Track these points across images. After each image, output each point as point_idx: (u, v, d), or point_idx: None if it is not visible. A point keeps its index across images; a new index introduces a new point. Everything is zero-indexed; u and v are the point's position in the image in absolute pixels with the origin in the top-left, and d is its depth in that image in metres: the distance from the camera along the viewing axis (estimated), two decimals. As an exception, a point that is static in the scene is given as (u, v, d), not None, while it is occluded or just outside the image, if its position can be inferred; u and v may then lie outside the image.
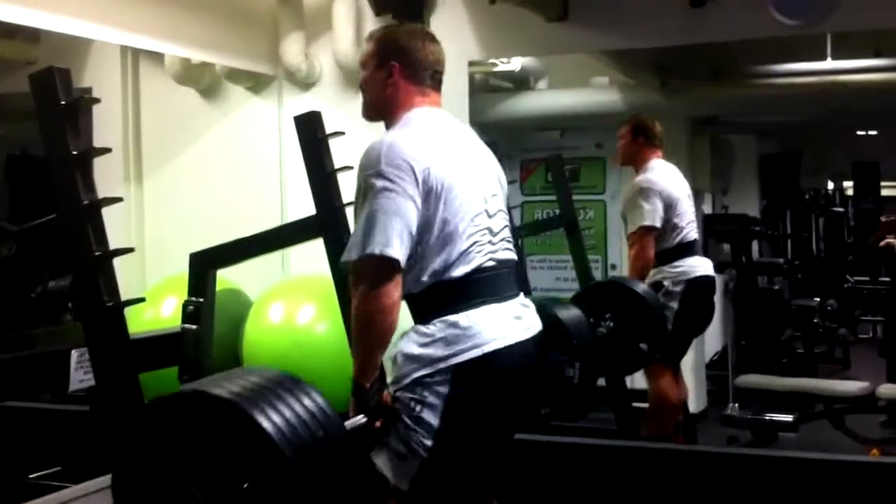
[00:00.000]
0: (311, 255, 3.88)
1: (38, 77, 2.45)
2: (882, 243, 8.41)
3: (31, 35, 4.50)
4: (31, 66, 4.30)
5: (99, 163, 2.79)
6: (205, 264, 3.43)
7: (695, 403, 5.71)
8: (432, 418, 2.24)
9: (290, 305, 3.89)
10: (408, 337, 2.33)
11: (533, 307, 2.48)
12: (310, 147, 3.38)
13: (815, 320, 8.05)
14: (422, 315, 2.32)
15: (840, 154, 11.17)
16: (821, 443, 5.29)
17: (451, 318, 2.27)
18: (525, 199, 6.76)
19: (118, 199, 2.55)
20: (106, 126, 4.32)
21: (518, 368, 2.36)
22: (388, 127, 2.44)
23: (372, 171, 2.26)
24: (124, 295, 2.65)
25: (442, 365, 2.25)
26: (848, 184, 13.14)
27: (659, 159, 4.66)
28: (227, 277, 3.85)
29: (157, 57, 4.39)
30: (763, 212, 8.77)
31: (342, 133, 3.47)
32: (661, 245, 4.51)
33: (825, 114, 7.22)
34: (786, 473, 3.65)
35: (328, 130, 3.40)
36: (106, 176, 3.45)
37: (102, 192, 2.70)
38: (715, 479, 3.72)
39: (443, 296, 2.30)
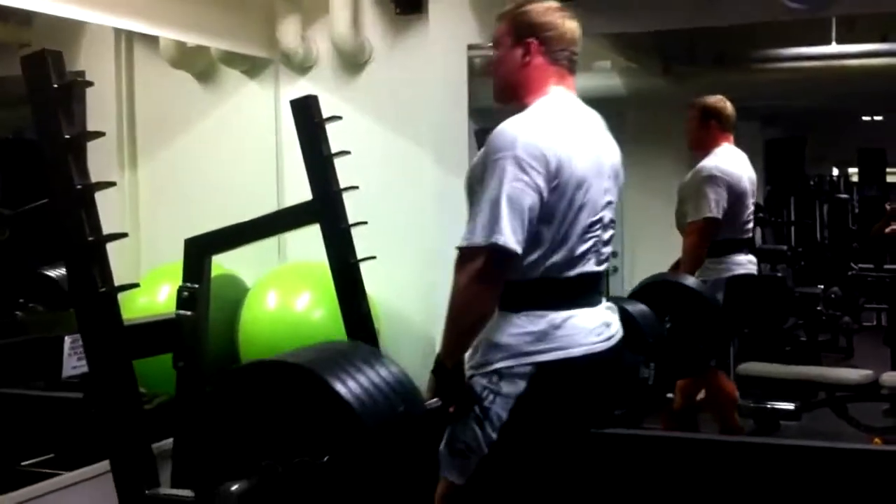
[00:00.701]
0: (308, 241, 3.89)
1: (30, 60, 2.44)
2: (888, 230, 8.42)
3: (23, 18, 4.49)
4: (24, 49, 4.29)
5: (92, 148, 2.78)
6: (200, 250, 3.42)
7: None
8: (502, 411, 2.20)
9: (286, 292, 3.90)
10: (496, 323, 2.26)
11: (617, 312, 2.43)
12: (306, 131, 3.37)
13: (818, 308, 8.05)
14: (516, 304, 2.25)
15: (845, 140, 11.17)
16: (823, 431, 5.31)
17: (546, 314, 2.23)
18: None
19: (112, 184, 2.54)
20: (100, 110, 4.31)
21: (598, 377, 2.33)
22: (519, 107, 2.32)
23: (504, 153, 2.17)
24: (118, 281, 2.65)
25: (525, 360, 2.21)
26: (853, 170, 13.15)
27: (729, 144, 4.47)
28: (223, 263, 3.84)
29: (151, 40, 4.38)
30: (767, 198, 8.76)
31: (339, 118, 3.46)
32: (716, 236, 4.32)
33: (830, 99, 7.23)
34: (788, 462, 3.66)
35: (325, 115, 3.40)
36: (100, 161, 3.45)
37: (96, 177, 2.69)
38: (717, 468, 3.73)
39: (544, 291, 2.25)
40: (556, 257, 2.25)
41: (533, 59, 2.32)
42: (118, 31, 4.41)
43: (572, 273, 2.27)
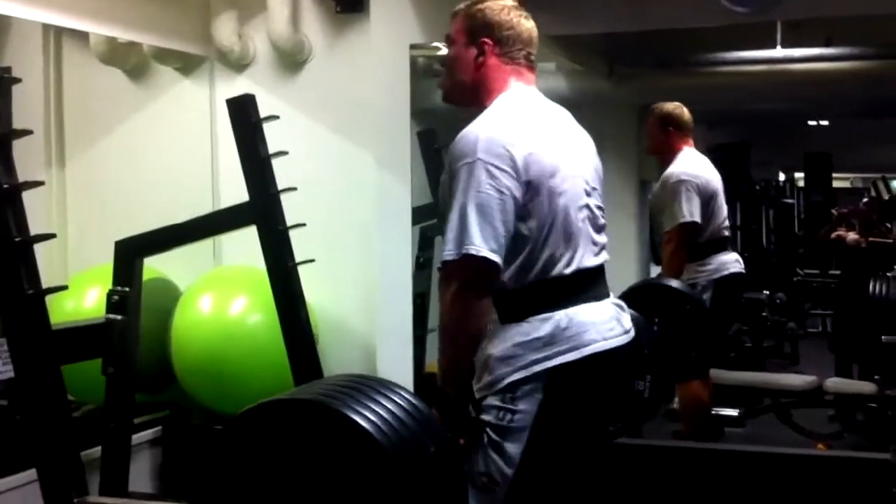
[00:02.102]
0: (244, 244, 3.90)
1: (-47, 54, 2.43)
2: (833, 235, 8.61)
3: (-54, 11, 4.43)
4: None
5: (19, 146, 2.78)
6: (131, 252, 3.43)
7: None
8: (522, 430, 2.15)
9: (221, 296, 3.89)
10: (498, 336, 2.21)
11: (626, 308, 2.39)
12: (243, 131, 3.40)
13: (763, 314, 8.21)
14: (516, 313, 2.21)
15: (791, 145, 11.39)
16: (768, 438, 5.42)
17: (550, 315, 2.19)
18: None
19: (40, 183, 2.55)
20: (27, 107, 4.25)
21: (615, 375, 2.29)
22: (479, 109, 2.28)
23: (468, 160, 2.14)
24: (44, 284, 2.65)
25: (536, 368, 2.16)
26: (799, 175, 13.43)
27: (690, 148, 4.62)
28: (155, 266, 3.83)
29: (81, 36, 4.34)
30: (712, 203, 8.91)
31: (276, 117, 3.48)
32: (697, 239, 4.44)
33: (776, 103, 7.37)
34: (733, 467, 3.75)
35: (262, 114, 3.42)
36: (26, 159, 3.41)
37: (23, 176, 2.68)
38: (662, 473, 3.80)
39: (541, 293, 2.21)
40: (546, 255, 2.21)
41: (488, 60, 2.29)
42: (46, 27, 4.37)
43: (568, 270, 2.23)
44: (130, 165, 4.33)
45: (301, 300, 3.43)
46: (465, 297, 2.12)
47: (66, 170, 4.41)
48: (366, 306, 3.92)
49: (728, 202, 9.59)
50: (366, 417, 1.78)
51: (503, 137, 2.17)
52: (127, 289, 3.34)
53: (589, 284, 2.28)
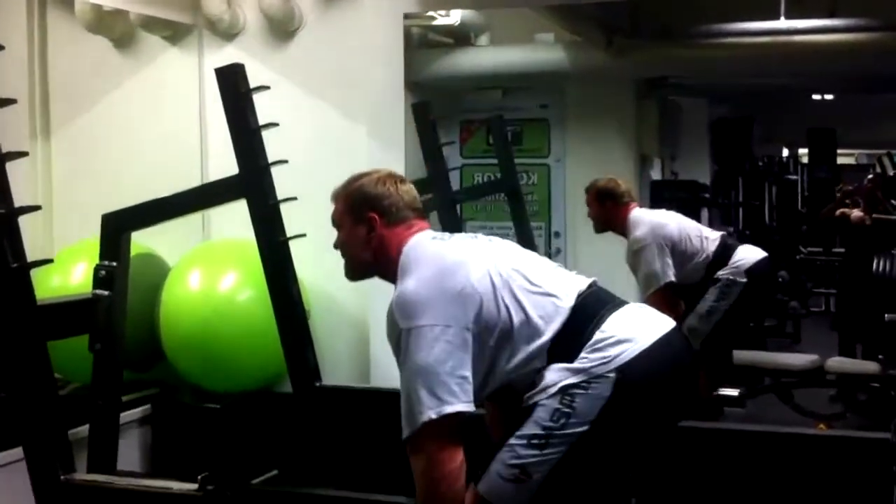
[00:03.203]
0: (233, 218, 3.89)
1: (-65, 22, 2.42)
2: (836, 212, 8.62)
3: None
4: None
5: (2, 116, 2.77)
6: (118, 226, 3.41)
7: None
8: (578, 427, 2.16)
9: (210, 271, 3.89)
10: (544, 376, 2.22)
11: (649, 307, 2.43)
12: (232, 102, 3.38)
13: (765, 292, 8.25)
14: (563, 361, 2.22)
15: (795, 120, 11.38)
16: (768, 418, 5.46)
17: (590, 340, 2.19)
18: (464, 162, 6.82)
19: (24, 154, 2.54)
20: (10, 77, 4.26)
21: (675, 361, 2.29)
22: (390, 277, 2.38)
23: (408, 326, 2.19)
24: (30, 259, 2.64)
25: (600, 370, 2.16)
26: (803, 151, 13.43)
27: (636, 211, 4.82)
28: (142, 241, 3.82)
29: (66, 3, 4.33)
30: (714, 180, 8.93)
31: (267, 87, 3.47)
32: (692, 277, 4.77)
33: (779, 77, 7.37)
34: (733, 447, 3.76)
35: (252, 84, 3.40)
36: (10, 131, 3.41)
37: (6, 147, 2.68)
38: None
39: (567, 339, 2.23)
40: (537, 325, 2.23)
41: (378, 231, 2.37)
42: (30, -7, 4.36)
43: (567, 306, 2.25)
44: (117, 137, 4.32)
45: (292, 276, 3.43)
46: (445, 459, 2.16)
47: (50, 141, 4.40)
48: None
49: (730, 178, 9.65)
50: None
51: (430, 288, 2.21)
52: (114, 263, 3.32)
53: (597, 301, 2.31)
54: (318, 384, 3.40)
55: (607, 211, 4.78)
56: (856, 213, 8.53)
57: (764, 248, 6.98)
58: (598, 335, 2.20)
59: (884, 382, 5.52)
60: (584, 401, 2.15)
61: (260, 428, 3.70)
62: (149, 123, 4.29)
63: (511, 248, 2.44)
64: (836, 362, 5.80)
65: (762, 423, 4.63)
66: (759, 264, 4.87)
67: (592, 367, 2.17)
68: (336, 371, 3.76)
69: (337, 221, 2.46)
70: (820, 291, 9.80)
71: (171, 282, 3.89)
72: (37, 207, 2.55)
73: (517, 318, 2.23)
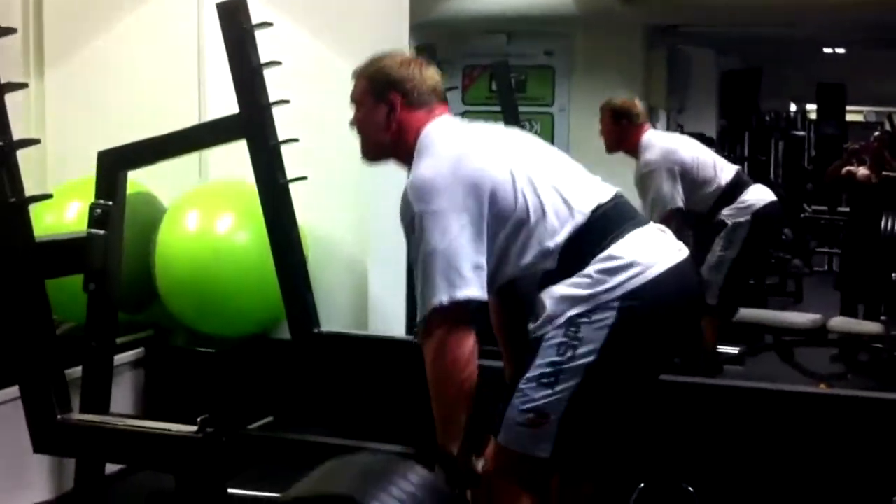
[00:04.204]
0: (231, 159, 3.89)
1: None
2: (843, 171, 8.61)
3: None
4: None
5: (-3, 48, 2.75)
6: (115, 164, 3.40)
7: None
8: (585, 358, 2.17)
9: (207, 212, 3.88)
10: (556, 285, 2.23)
11: (669, 231, 2.44)
12: (234, 39, 3.36)
13: (768, 249, 8.27)
14: (569, 273, 2.23)
15: (804, 74, 11.33)
16: (768, 377, 5.50)
17: (602, 254, 2.21)
18: (467, 108, 6.80)
19: (23, 85, 2.53)
20: (3, 12, 4.22)
21: (683, 292, 2.31)
22: (407, 160, 2.38)
23: (422, 207, 2.21)
24: (26, 194, 2.64)
25: (605, 297, 2.17)
26: (811, 106, 13.39)
27: (649, 133, 4.80)
28: (138, 180, 3.82)
29: (61, -69, 4.29)
30: (720, 133, 8.92)
31: (270, 24, 3.45)
32: (700, 205, 4.79)
33: (790, 27, 7.34)
34: (732, 403, 3.80)
35: (254, 21, 3.38)
36: (3, 67, 3.38)
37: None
38: (658, 407, 3.85)
39: (579, 246, 2.24)
40: (553, 225, 2.25)
41: (399, 114, 2.38)
42: (24, -77, 4.31)
43: (583, 215, 2.26)
44: (113, 73, 4.29)
45: (292, 219, 3.43)
46: (456, 344, 2.18)
47: (44, 77, 4.36)
48: (357, 227, 3.93)
49: (735, 132, 9.64)
50: None
51: (448, 172, 2.24)
52: (110, 202, 3.31)
53: (618, 215, 2.32)
54: (316, 330, 3.42)
55: (621, 130, 4.76)
56: (862, 170, 8.54)
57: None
58: (608, 252, 2.21)
59: (886, 343, 5.56)
60: (588, 330, 2.17)
61: (255, 373, 3.73)
62: (145, 61, 4.26)
63: (539, 144, 2.45)
64: (839, 322, 5.84)
65: (763, 381, 4.67)
66: (766, 207, 4.88)
67: (597, 293, 2.18)
68: (333, 317, 3.76)
69: (356, 100, 2.47)
70: (823, 251, 9.83)
71: (167, 222, 3.89)
72: (36, 141, 2.55)
73: (533, 213, 2.25)
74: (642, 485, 3.51)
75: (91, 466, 3.06)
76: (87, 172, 3.55)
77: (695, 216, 4.84)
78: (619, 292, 2.18)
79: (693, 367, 4.65)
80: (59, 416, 2.46)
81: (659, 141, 4.82)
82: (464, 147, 2.31)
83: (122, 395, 3.56)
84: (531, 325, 2.25)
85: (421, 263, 2.21)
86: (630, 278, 2.19)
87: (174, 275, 3.81)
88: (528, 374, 2.20)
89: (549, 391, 2.17)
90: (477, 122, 2.49)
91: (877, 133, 9.05)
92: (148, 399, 3.80)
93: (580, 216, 2.26)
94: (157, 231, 3.89)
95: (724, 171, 4.88)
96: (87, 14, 4.32)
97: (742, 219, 4.81)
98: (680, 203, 4.68)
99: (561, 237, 2.24)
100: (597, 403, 2.24)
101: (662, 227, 2.44)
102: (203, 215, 3.88)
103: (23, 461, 3.11)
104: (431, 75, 2.44)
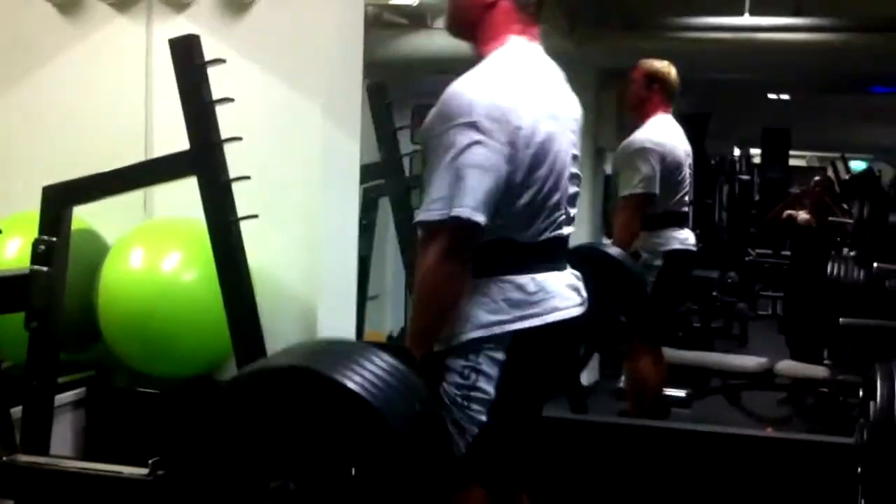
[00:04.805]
0: (177, 196, 3.87)
1: None
2: (784, 214, 8.82)
3: None
4: None
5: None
6: (60, 200, 3.39)
7: (586, 376, 5.93)
8: (488, 388, 2.28)
9: (153, 250, 3.85)
10: (469, 300, 2.31)
11: (580, 278, 2.52)
12: (186, 75, 3.37)
13: (713, 293, 8.42)
14: (485, 270, 2.31)
15: (749, 118, 11.59)
16: (715, 420, 5.59)
17: (517, 279, 2.30)
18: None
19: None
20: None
21: (569, 342, 2.46)
22: (478, 50, 2.38)
23: (462, 119, 2.21)
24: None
25: (498, 330, 2.27)
26: (754, 151, 13.67)
27: (666, 114, 4.68)
28: (80, 217, 3.77)
29: (6, -37, 4.26)
30: (667, 175, 9.04)
31: (223, 61, 3.46)
32: (650, 210, 4.56)
33: (739, 73, 7.52)
34: (681, 446, 3.86)
35: (206, 58, 3.39)
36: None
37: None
38: (605, 450, 3.90)
39: (511, 255, 2.32)
40: (525, 221, 2.33)
41: (499, 4, 2.36)
42: (-33, -50, 4.27)
43: (544, 237, 2.36)
44: (56, 107, 4.25)
45: (243, 258, 3.43)
46: (451, 259, 2.22)
47: (-13, 110, 4.32)
48: (308, 268, 3.92)
49: (684, 176, 9.78)
50: (362, 386, 1.85)
51: (498, 100, 2.25)
52: (54, 238, 3.30)
53: (555, 254, 2.42)
54: (265, 371, 3.40)
55: (649, 95, 4.62)
56: (802, 215, 8.76)
57: (713, 249, 7.17)
58: (522, 281, 2.30)
59: (832, 387, 5.68)
60: (485, 360, 2.28)
61: (201, 415, 3.69)
62: (91, 94, 4.23)
63: (575, 142, 2.47)
64: (786, 366, 5.96)
65: (711, 424, 4.74)
66: (678, 252, 4.73)
67: (495, 321, 2.27)
68: (282, 358, 3.74)
69: None
70: (767, 294, 10.03)
71: (111, 260, 3.85)
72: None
73: (524, 197, 2.31)
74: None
75: (30, 511, 3.01)
76: (25, 206, 3.53)
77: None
78: (511, 327, 2.29)
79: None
80: (3, 458, 2.43)
81: (670, 127, 4.67)
82: (527, 90, 2.31)
83: (63, 436, 3.50)
84: (435, 345, 2.33)
85: (440, 169, 2.22)
86: (528, 316, 2.30)
87: (119, 313, 3.77)
88: (443, 394, 2.30)
89: (465, 410, 2.29)
90: (555, 70, 2.48)
91: (817, 178, 9.30)
92: (89, 440, 3.75)
93: (543, 236, 2.35)
94: (99, 269, 3.85)
95: (684, 200, 4.77)
96: (32, 47, 4.29)
97: (655, 260, 4.66)
98: (656, 191, 4.50)
99: (518, 237, 2.32)
100: (501, 427, 2.33)
101: (575, 272, 2.53)
102: (148, 253, 3.84)
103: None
104: None
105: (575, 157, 2.47)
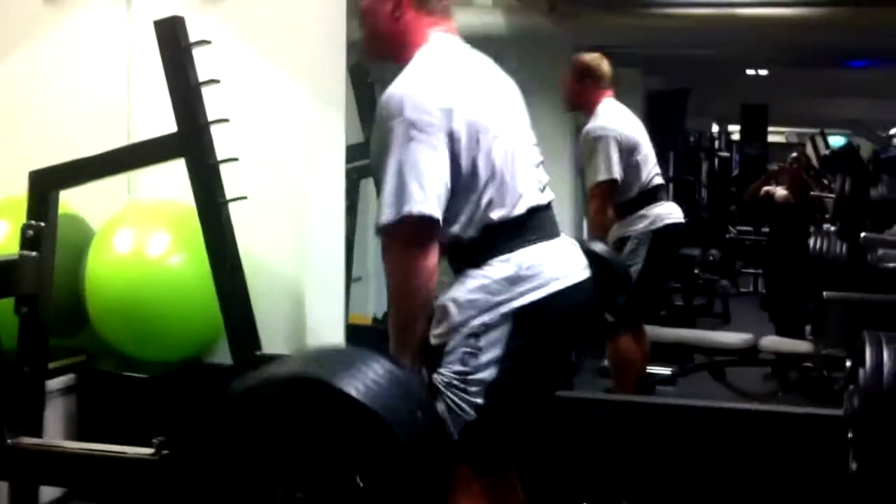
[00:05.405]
0: (161, 178, 3.92)
1: None
2: (761, 192, 8.93)
3: None
4: None
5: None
6: (47, 184, 3.43)
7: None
8: (487, 373, 2.29)
9: (140, 235, 3.89)
10: (459, 282, 2.35)
11: (578, 246, 2.56)
12: (172, 57, 3.41)
13: (695, 271, 8.55)
14: (472, 260, 2.35)
15: (727, 94, 11.70)
16: (700, 396, 5.69)
17: (508, 257, 2.33)
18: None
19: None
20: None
21: (578, 311, 2.44)
22: (400, 62, 2.43)
23: (396, 120, 2.28)
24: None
25: (504, 309, 2.30)
26: (734, 127, 13.81)
27: (609, 100, 4.81)
28: (63, 202, 3.81)
29: (-19, -57, 4.28)
30: (647, 152, 9.15)
31: (208, 42, 3.50)
32: (623, 195, 4.68)
33: (717, 49, 7.62)
34: (668, 422, 3.95)
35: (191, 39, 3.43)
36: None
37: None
38: (590, 427, 3.98)
39: (496, 237, 2.35)
40: (494, 200, 2.36)
41: (405, 15, 2.45)
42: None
43: (517, 211, 2.39)
44: (37, 91, 4.27)
45: (232, 239, 3.48)
46: (411, 258, 2.28)
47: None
48: (295, 249, 3.98)
49: (661, 153, 9.89)
50: (367, 395, 1.93)
51: (430, 93, 2.32)
52: (42, 223, 3.35)
53: (541, 223, 2.46)
54: (258, 353, 3.47)
55: (584, 90, 4.77)
56: (780, 191, 8.88)
57: (694, 227, 7.25)
58: (517, 259, 2.33)
59: (816, 362, 5.81)
60: (487, 342, 2.29)
61: (191, 398, 3.74)
62: (71, 77, 4.26)
63: (520, 110, 2.54)
64: (770, 341, 6.08)
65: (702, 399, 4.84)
66: (667, 227, 4.84)
67: (496, 302, 2.30)
68: (271, 340, 3.81)
69: None
70: (749, 272, 10.16)
71: (97, 244, 3.89)
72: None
73: (488, 177, 2.35)
74: (584, 503, 3.64)
75: (27, 495, 3.07)
76: (8, 192, 3.56)
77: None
78: (515, 304, 2.32)
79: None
80: (8, 441, 2.48)
81: (618, 111, 4.80)
82: (457, 77, 2.39)
83: (54, 422, 3.55)
84: (433, 330, 2.35)
85: (386, 172, 2.28)
86: (528, 290, 2.33)
87: (106, 299, 3.82)
88: (437, 379, 2.32)
89: (461, 394, 2.30)
90: (478, 55, 2.54)
91: (794, 154, 9.42)
92: (80, 426, 3.80)
93: (519, 208, 2.38)
94: (85, 253, 3.89)
95: (655, 175, 4.89)
96: (10, 29, 4.31)
97: (643, 237, 4.75)
98: (617, 175, 4.61)
99: (494, 217, 2.36)
100: (501, 410, 2.35)
101: (572, 240, 2.59)
102: (134, 237, 3.89)
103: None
104: None
105: (523, 130, 2.52)
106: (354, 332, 4.60)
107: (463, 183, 2.34)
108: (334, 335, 4.09)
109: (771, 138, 13.11)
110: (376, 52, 2.57)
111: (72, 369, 3.86)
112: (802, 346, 6.11)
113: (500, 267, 2.34)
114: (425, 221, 2.26)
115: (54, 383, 3.64)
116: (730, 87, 11.24)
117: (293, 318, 4.01)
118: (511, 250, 2.35)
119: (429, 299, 2.32)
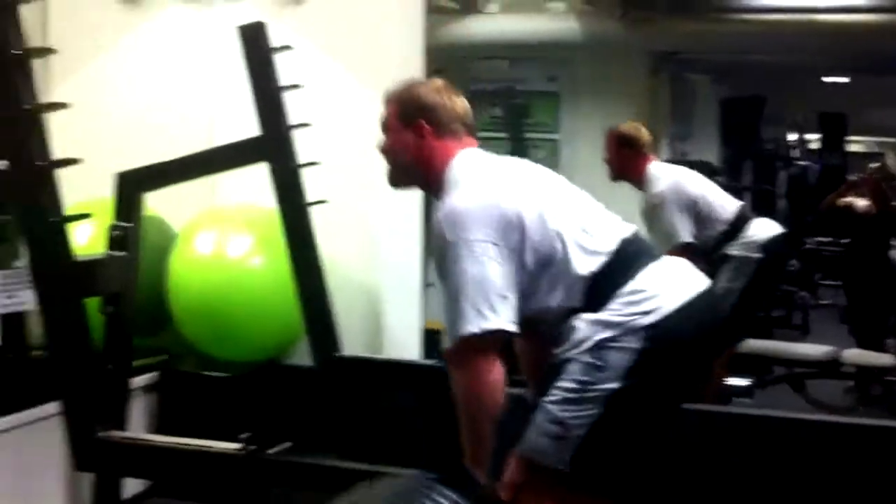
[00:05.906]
0: (240, 182, 4.04)
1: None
2: (840, 202, 8.83)
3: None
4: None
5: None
6: (133, 186, 3.55)
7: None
8: (609, 383, 2.29)
9: (221, 237, 4.01)
10: (581, 318, 2.36)
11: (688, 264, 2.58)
12: (255, 61, 3.52)
13: (774, 282, 8.45)
14: (593, 309, 2.36)
15: (802, 102, 11.58)
16: (779, 409, 5.66)
17: (626, 288, 2.34)
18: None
19: (62, 105, 2.67)
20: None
21: (704, 323, 2.44)
22: (433, 188, 2.51)
23: (461, 235, 2.33)
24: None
25: (632, 326, 2.30)
26: (810, 136, 13.66)
27: (655, 164, 4.91)
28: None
29: (66, -45, 4.43)
30: (723, 161, 9.11)
31: (290, 47, 3.62)
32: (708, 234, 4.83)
33: (792, 56, 7.58)
34: (746, 433, 3.95)
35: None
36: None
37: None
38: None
39: (604, 283, 2.37)
40: (581, 257, 2.38)
41: (426, 141, 2.51)
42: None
43: (612, 246, 2.41)
44: (119, 95, 4.43)
45: (313, 242, 3.58)
46: (488, 372, 2.33)
47: (51, 98, 4.48)
48: (373, 253, 4.08)
49: (736, 161, 9.84)
50: None
51: (486, 205, 2.37)
52: (128, 224, 3.47)
53: (640, 249, 2.48)
54: (338, 354, 3.56)
55: (624, 158, 4.84)
56: (861, 202, 8.76)
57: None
58: (632, 285, 2.34)
59: (900, 375, 5.75)
60: (614, 356, 2.29)
61: (271, 398, 3.84)
62: (153, 82, 4.40)
63: (561, 181, 2.58)
64: (853, 354, 6.01)
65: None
66: (774, 240, 4.93)
67: (624, 321, 2.30)
68: (349, 342, 3.90)
69: (385, 124, 2.57)
70: (828, 283, 10.03)
71: (180, 246, 4.03)
72: (74, 161, 2.68)
73: (560, 249, 2.38)
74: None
75: (110, 488, 3.17)
76: (93, 193, 3.69)
77: (700, 252, 4.92)
78: (644, 321, 2.31)
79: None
80: (99, 434, 2.58)
81: (667, 173, 4.91)
82: (496, 181, 2.45)
83: (137, 419, 3.67)
84: (557, 349, 2.36)
85: (453, 292, 2.34)
86: (654, 310, 2.32)
87: (188, 299, 3.94)
88: (553, 392, 2.33)
89: (575, 408, 2.30)
90: (504, 157, 2.61)
91: (875, 164, 9.31)
92: (162, 423, 3.92)
93: (605, 255, 2.40)
94: (167, 255, 4.03)
95: (729, 206, 4.95)
96: (92, 37, 4.46)
97: (751, 254, 4.84)
98: (689, 237, 4.74)
99: (587, 272, 2.38)
100: (619, 427, 2.35)
101: (679, 259, 2.60)
102: (217, 240, 4.01)
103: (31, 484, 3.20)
104: (461, 104, 2.56)
105: (575, 193, 2.55)
106: (430, 337, 4.67)
107: (543, 266, 2.38)
108: (411, 339, 4.17)
109: (852, 148, 12.96)
110: (408, 182, 2.64)
111: (154, 368, 3.98)
112: (885, 359, 6.04)
113: (621, 298, 2.35)
114: (486, 337, 2.31)
115: (137, 381, 3.76)
116: (805, 95, 11.12)
117: (371, 322, 4.10)
118: (625, 284, 2.36)
119: (498, 408, 2.35)
